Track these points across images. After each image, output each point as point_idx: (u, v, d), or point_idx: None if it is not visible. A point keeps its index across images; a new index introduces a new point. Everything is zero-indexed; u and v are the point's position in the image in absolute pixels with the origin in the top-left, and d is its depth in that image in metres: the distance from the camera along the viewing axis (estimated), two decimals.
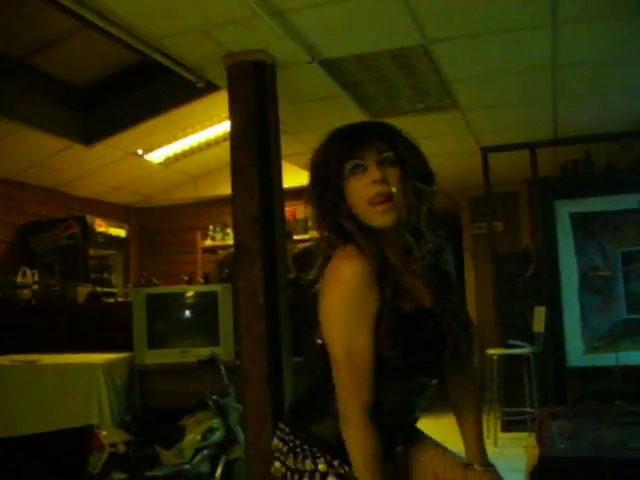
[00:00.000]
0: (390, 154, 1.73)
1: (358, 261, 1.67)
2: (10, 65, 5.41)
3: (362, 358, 1.66)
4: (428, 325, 1.73)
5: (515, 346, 6.14)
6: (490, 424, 6.07)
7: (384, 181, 1.70)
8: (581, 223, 6.16)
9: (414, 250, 1.75)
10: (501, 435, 6.00)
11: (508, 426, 6.21)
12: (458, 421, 1.96)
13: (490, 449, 6.10)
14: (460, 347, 1.76)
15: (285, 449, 1.82)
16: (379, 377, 1.69)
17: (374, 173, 1.70)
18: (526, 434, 5.95)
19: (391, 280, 1.69)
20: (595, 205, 6.14)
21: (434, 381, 1.83)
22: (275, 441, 1.88)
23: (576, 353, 6.02)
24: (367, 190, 1.71)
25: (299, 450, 1.79)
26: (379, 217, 1.71)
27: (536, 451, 3.91)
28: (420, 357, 1.71)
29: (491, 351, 6.26)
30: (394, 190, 1.70)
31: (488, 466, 1.90)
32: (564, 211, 6.15)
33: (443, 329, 1.73)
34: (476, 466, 1.88)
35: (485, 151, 6.81)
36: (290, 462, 1.79)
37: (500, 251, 6.92)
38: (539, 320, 6.15)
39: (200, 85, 4.57)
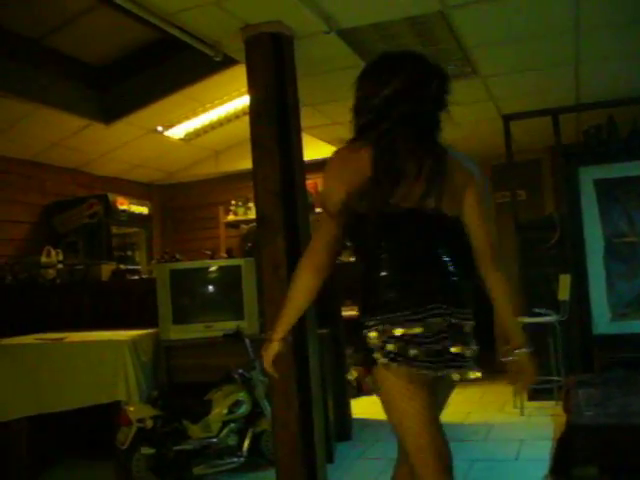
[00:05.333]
0: None
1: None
2: (27, 46, 5.41)
3: (333, 205, 2.27)
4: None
5: (540, 314, 6.10)
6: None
7: None
8: (605, 189, 6.07)
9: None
10: (528, 404, 5.98)
11: (535, 395, 6.18)
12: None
13: (517, 418, 6.08)
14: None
15: None
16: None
17: None
18: (553, 402, 5.94)
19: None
20: (619, 171, 6.04)
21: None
22: None
23: (602, 321, 5.97)
24: None
25: None
26: None
27: (563, 419, 3.91)
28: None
29: None
30: None
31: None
32: (588, 178, 6.06)
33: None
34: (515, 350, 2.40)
35: (507, 119, 6.74)
36: None
37: (524, 219, 6.86)
38: (564, 288, 6.10)
39: (218, 59, 4.52)
